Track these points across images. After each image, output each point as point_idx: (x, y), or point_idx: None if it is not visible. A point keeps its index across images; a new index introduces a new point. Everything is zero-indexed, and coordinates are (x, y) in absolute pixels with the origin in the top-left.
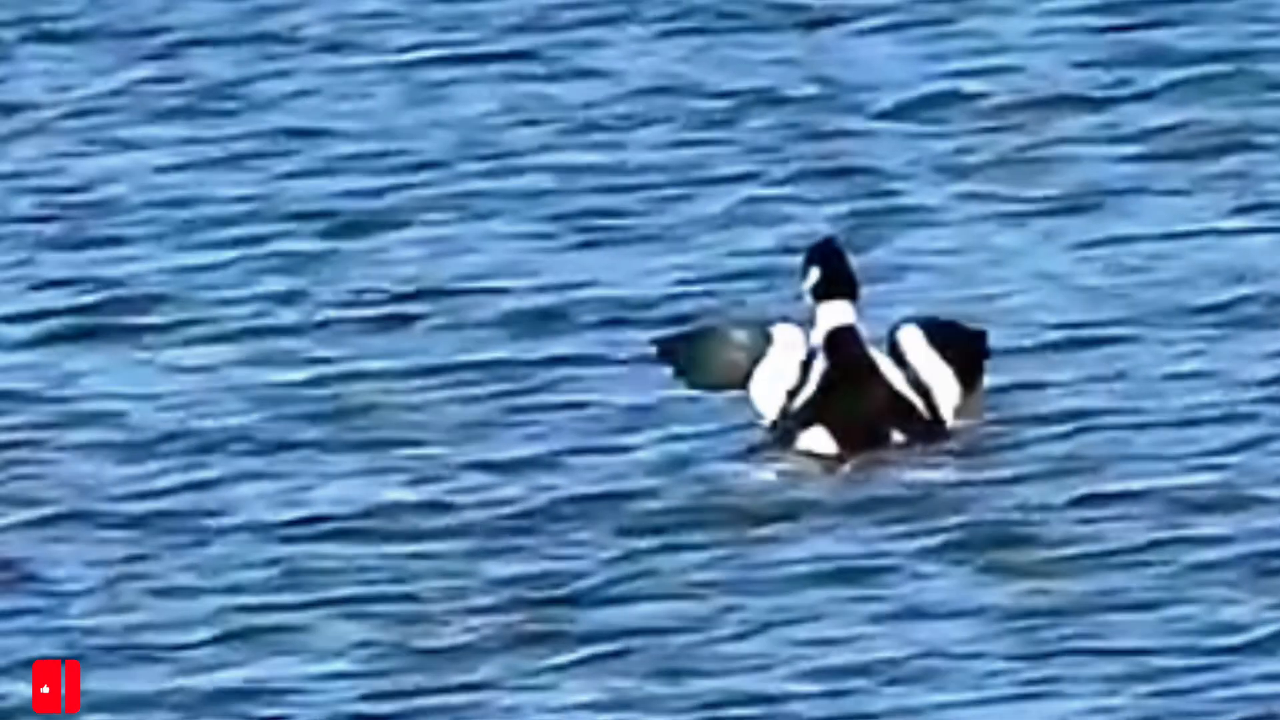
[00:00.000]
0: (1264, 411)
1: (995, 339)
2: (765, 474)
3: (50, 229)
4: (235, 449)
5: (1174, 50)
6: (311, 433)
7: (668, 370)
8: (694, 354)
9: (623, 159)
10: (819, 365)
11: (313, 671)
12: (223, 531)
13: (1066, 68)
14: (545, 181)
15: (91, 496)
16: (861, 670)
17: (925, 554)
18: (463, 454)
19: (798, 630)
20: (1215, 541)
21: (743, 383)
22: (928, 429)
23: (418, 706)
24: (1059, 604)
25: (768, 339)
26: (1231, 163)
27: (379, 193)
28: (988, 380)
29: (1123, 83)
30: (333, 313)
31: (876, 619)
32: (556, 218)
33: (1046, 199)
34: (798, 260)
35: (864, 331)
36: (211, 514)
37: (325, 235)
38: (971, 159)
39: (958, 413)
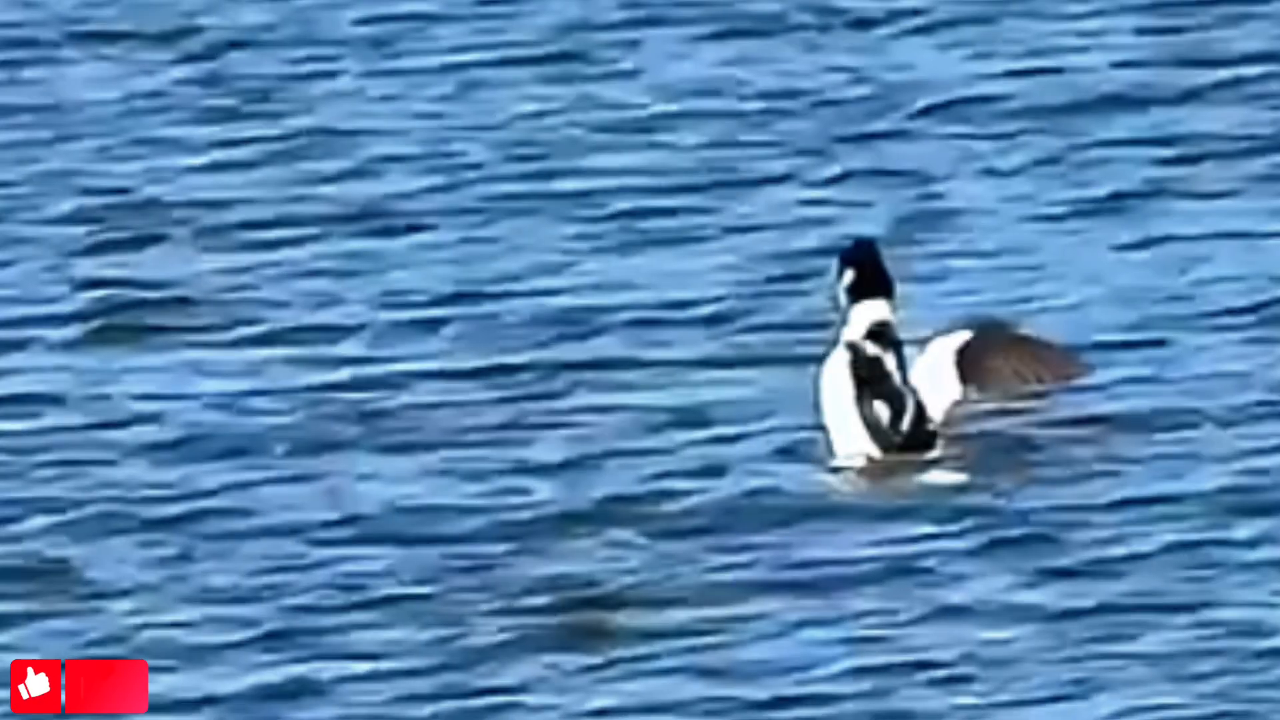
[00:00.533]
0: None
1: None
2: (804, 475)
3: (92, 230)
4: (275, 450)
5: (1216, 52)
6: (351, 434)
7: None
8: None
9: (665, 161)
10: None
11: (351, 672)
12: (262, 532)
13: (1109, 69)
14: (587, 183)
15: (132, 497)
16: (901, 671)
17: (965, 555)
18: (502, 455)
19: (837, 631)
20: (1255, 543)
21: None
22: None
23: (455, 707)
24: (1099, 605)
25: None
26: (1274, 164)
27: (419, 194)
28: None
29: (1166, 85)
30: (373, 314)
31: (916, 620)
32: (598, 219)
33: (1088, 200)
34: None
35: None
36: (250, 515)
37: (366, 236)
38: (1014, 160)
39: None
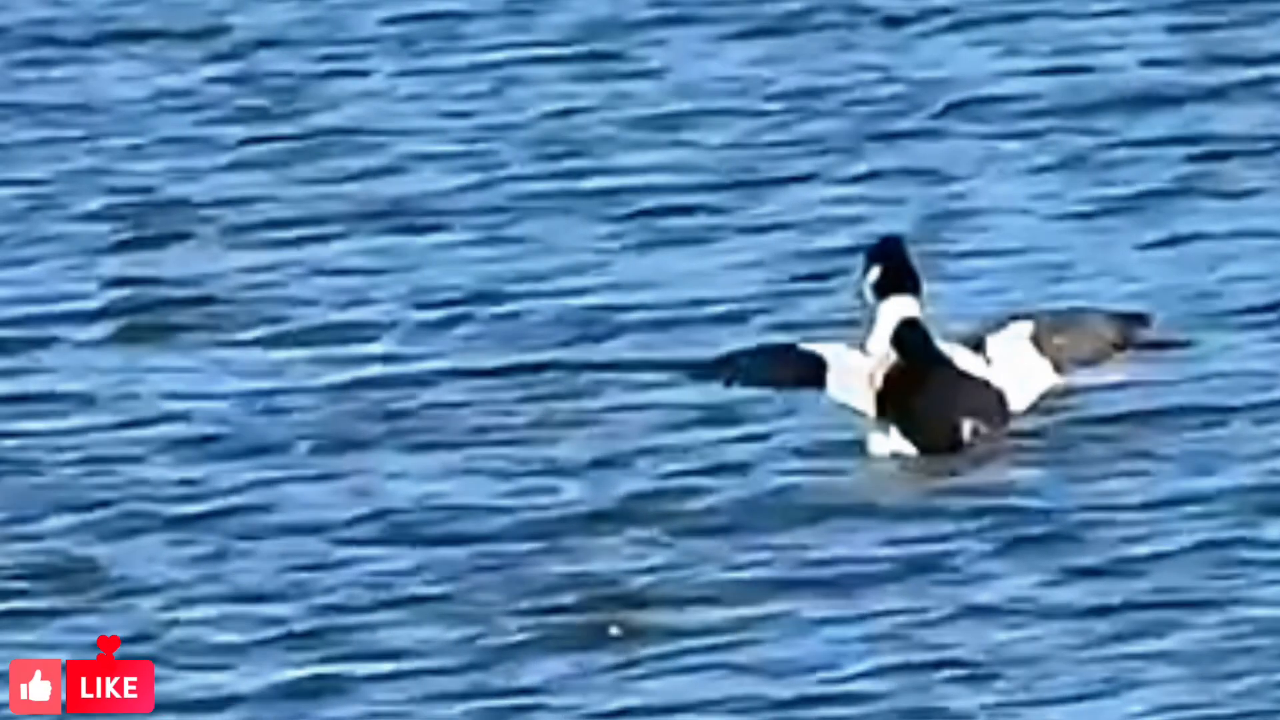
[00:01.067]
0: None
1: None
2: (828, 473)
3: (119, 228)
4: (300, 448)
5: (1245, 51)
6: (377, 432)
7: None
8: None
9: (691, 159)
10: (887, 361)
11: (376, 670)
12: (288, 530)
13: (1138, 68)
14: (614, 181)
15: (157, 496)
16: (927, 669)
17: (990, 553)
18: (527, 454)
19: (862, 629)
20: None
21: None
22: (997, 417)
23: (480, 706)
24: (1127, 602)
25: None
26: None
27: (445, 193)
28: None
29: (1194, 83)
30: (400, 313)
31: (942, 618)
32: (625, 217)
33: (1116, 198)
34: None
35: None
36: (276, 513)
37: (392, 235)
38: (1042, 158)
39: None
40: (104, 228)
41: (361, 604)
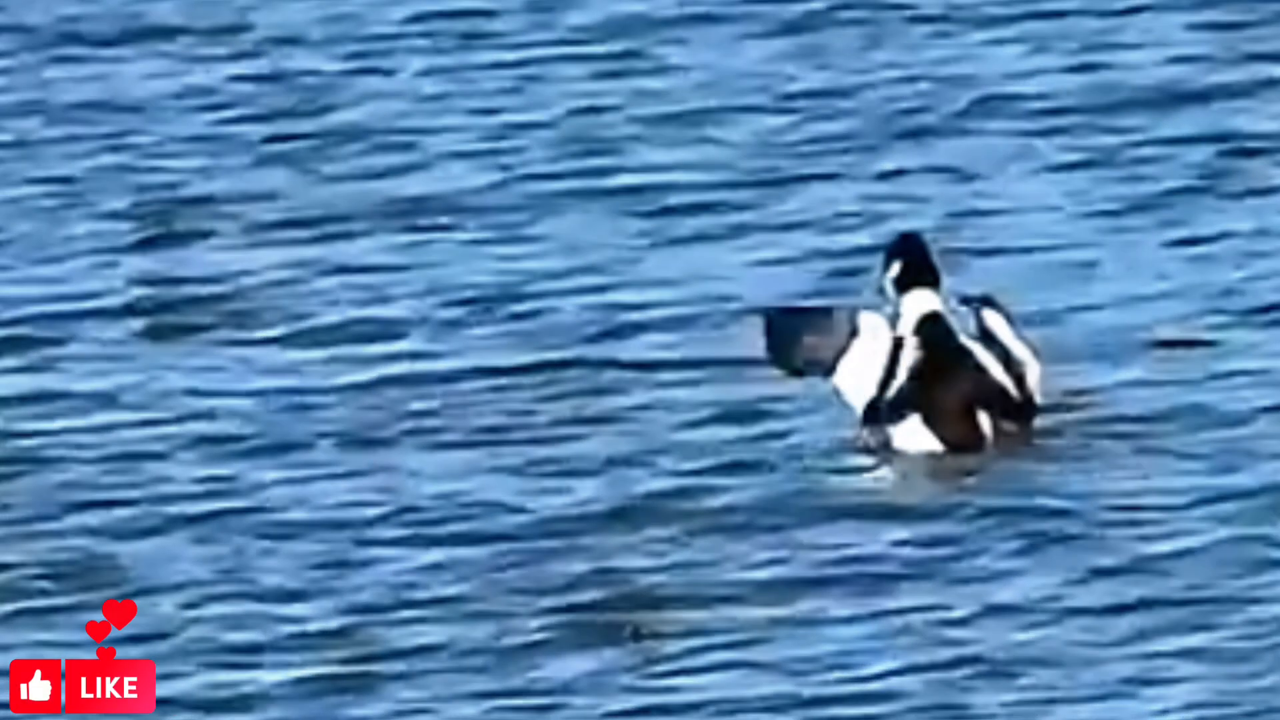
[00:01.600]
0: None
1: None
2: (849, 471)
3: (143, 226)
4: (323, 446)
5: (1271, 48)
6: (400, 430)
7: (760, 349)
8: (782, 334)
9: (715, 156)
10: (910, 355)
11: (398, 668)
12: (311, 528)
13: (1163, 65)
14: (638, 179)
15: (181, 493)
16: (948, 667)
17: (1012, 551)
18: (550, 452)
19: (883, 627)
20: None
21: (828, 369)
22: (1020, 410)
23: (501, 704)
24: (1149, 601)
25: (854, 325)
26: None
27: (467, 191)
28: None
29: (1219, 81)
30: (423, 310)
31: (963, 617)
32: (649, 215)
33: (1141, 196)
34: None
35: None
36: (299, 511)
37: (416, 232)
38: (1067, 156)
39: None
40: (127, 225)
41: (383, 602)
